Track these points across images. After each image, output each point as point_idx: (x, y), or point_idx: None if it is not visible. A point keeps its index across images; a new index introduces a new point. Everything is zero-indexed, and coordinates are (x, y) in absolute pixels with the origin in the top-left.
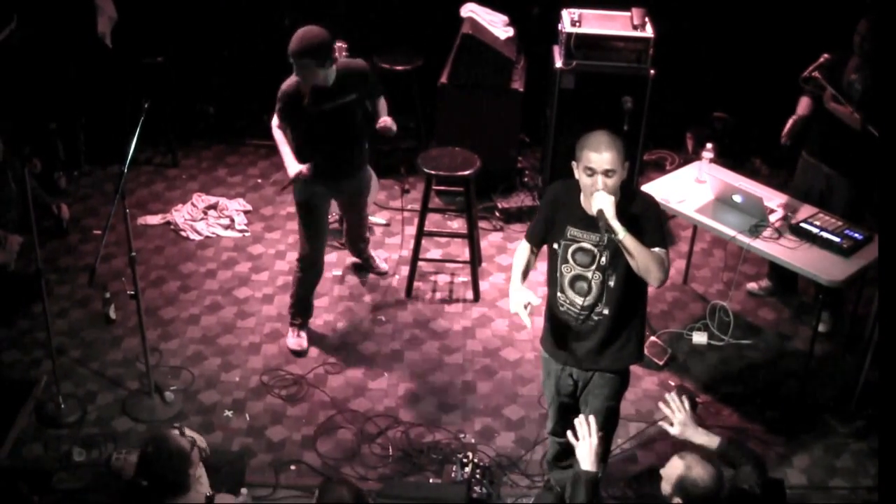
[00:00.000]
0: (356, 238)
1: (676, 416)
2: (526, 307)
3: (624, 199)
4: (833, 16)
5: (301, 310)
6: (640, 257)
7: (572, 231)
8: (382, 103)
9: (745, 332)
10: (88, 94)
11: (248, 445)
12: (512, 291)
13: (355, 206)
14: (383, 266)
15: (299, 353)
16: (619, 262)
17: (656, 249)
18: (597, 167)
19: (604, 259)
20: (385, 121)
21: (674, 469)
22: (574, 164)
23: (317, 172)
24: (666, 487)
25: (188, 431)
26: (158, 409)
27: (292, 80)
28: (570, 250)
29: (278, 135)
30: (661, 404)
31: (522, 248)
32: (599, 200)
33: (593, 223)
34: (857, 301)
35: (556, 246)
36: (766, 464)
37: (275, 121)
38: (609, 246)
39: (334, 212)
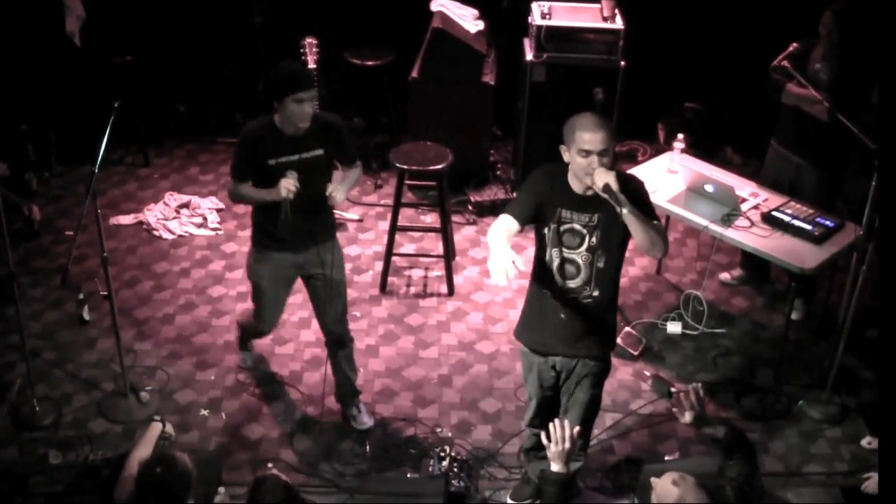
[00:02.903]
0: (335, 363)
1: (695, 409)
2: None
3: (616, 178)
4: (801, 5)
5: (244, 336)
6: (647, 230)
7: (564, 213)
8: (354, 172)
9: (719, 320)
10: (58, 95)
11: (224, 444)
12: (496, 248)
13: (320, 298)
14: (366, 421)
15: (242, 369)
16: (608, 242)
17: (656, 223)
18: (592, 147)
19: (594, 239)
20: (336, 188)
21: (668, 494)
22: (563, 147)
23: (270, 240)
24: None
25: (168, 426)
26: (134, 409)
27: (256, 123)
28: (561, 232)
29: (242, 189)
30: (681, 395)
31: (502, 221)
32: (602, 176)
33: (583, 204)
34: (830, 288)
35: (546, 230)
36: (757, 458)
37: (232, 182)
38: (598, 226)
39: None
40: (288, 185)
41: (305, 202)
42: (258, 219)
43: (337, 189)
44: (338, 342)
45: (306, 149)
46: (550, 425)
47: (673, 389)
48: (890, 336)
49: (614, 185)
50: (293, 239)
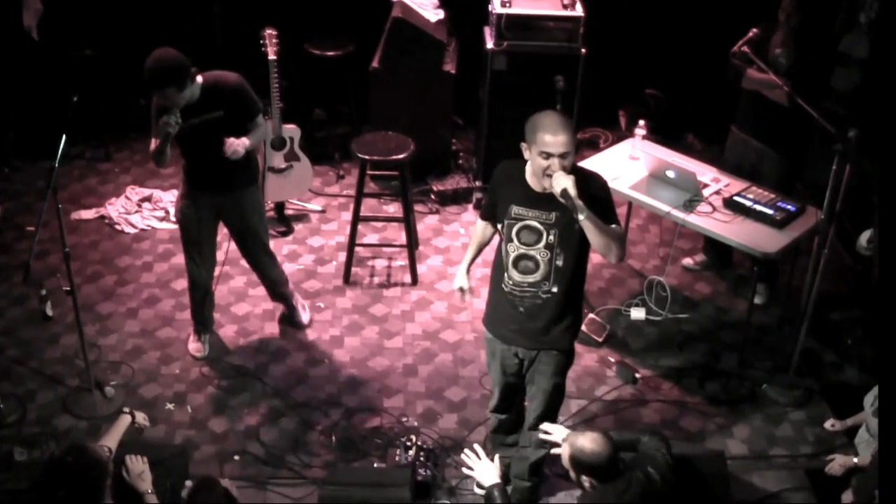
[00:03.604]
0: (268, 279)
1: (559, 438)
2: (462, 292)
3: (576, 179)
4: None
5: (196, 319)
6: (603, 235)
7: (516, 209)
8: (261, 124)
9: (683, 306)
10: (16, 90)
11: (191, 438)
12: (458, 272)
13: (243, 235)
14: (304, 318)
15: (198, 359)
16: (567, 240)
17: (614, 226)
18: (553, 150)
19: (552, 237)
20: (230, 143)
21: (564, 454)
22: (524, 145)
23: (194, 182)
24: (572, 475)
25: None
26: (99, 405)
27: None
28: (515, 229)
29: (151, 146)
30: (540, 436)
31: (478, 226)
32: (560, 181)
33: (539, 201)
34: (792, 272)
35: (500, 226)
36: (661, 432)
37: (153, 143)
38: (557, 224)
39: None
40: (163, 119)
41: (215, 153)
42: (184, 164)
43: (231, 141)
44: (271, 286)
45: (203, 111)
46: (462, 456)
47: (638, 375)
48: (890, 337)
49: (572, 191)
50: (216, 181)
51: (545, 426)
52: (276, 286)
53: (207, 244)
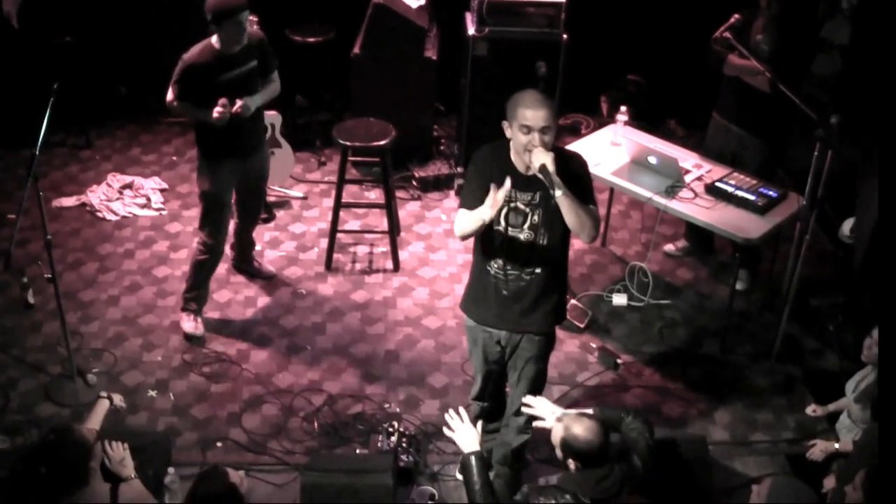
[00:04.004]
0: (247, 239)
1: (544, 414)
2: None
3: (556, 158)
4: None
5: (198, 296)
6: (578, 214)
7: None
8: (276, 80)
9: (665, 292)
10: None
11: (173, 425)
12: (484, 206)
13: (256, 192)
14: (270, 269)
15: (194, 338)
16: (550, 220)
17: (590, 206)
18: (533, 124)
19: (536, 217)
20: (242, 103)
21: (556, 432)
22: (505, 123)
23: (223, 150)
24: (559, 454)
25: (116, 398)
26: (82, 392)
27: (198, 49)
28: (503, 211)
29: (178, 106)
30: (523, 409)
31: (462, 215)
32: (540, 157)
33: (525, 182)
34: (774, 258)
35: None
36: (644, 413)
37: (170, 95)
38: (541, 204)
39: None
40: (219, 111)
41: (249, 121)
42: (207, 133)
43: (249, 100)
44: (251, 222)
45: (244, 63)
46: (446, 416)
47: (619, 361)
48: (890, 335)
49: (551, 167)
50: (243, 145)
51: (529, 399)
52: (252, 247)
53: (228, 211)
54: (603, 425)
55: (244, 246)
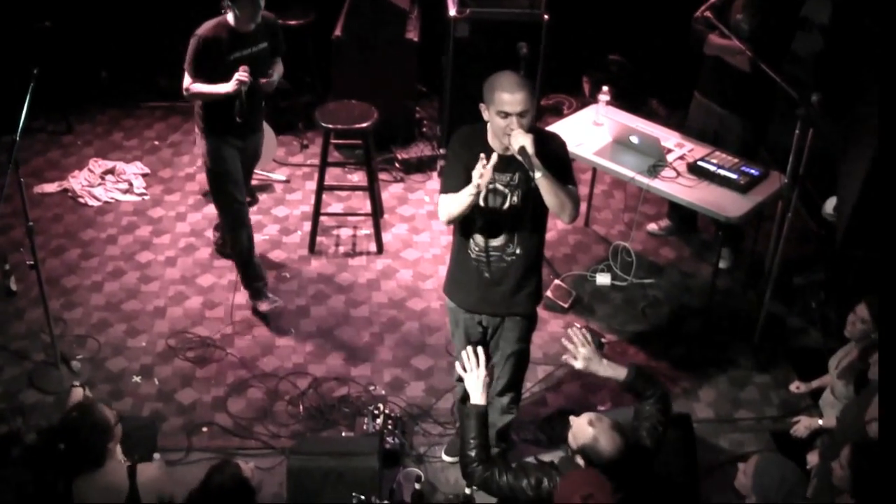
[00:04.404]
0: None
1: (580, 351)
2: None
3: (535, 139)
4: None
5: (253, 277)
6: (558, 195)
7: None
8: (279, 64)
9: (648, 271)
10: None
11: (158, 410)
12: (468, 188)
13: (247, 174)
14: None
15: (275, 307)
16: (529, 201)
17: (570, 187)
18: (511, 109)
19: (515, 199)
20: (270, 80)
21: (582, 433)
22: (483, 105)
23: (227, 128)
24: (571, 442)
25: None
26: (66, 379)
27: (212, 24)
28: (483, 193)
29: (197, 87)
30: (563, 340)
31: (446, 200)
32: (519, 139)
33: (503, 163)
34: (756, 236)
35: None
36: (670, 398)
37: (187, 80)
38: (520, 185)
39: None
40: (242, 78)
41: (253, 91)
42: (214, 111)
43: (272, 79)
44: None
45: (255, 43)
46: (462, 353)
47: (604, 340)
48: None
49: (530, 149)
50: (244, 125)
51: (573, 332)
52: None
53: (242, 184)
54: (628, 442)
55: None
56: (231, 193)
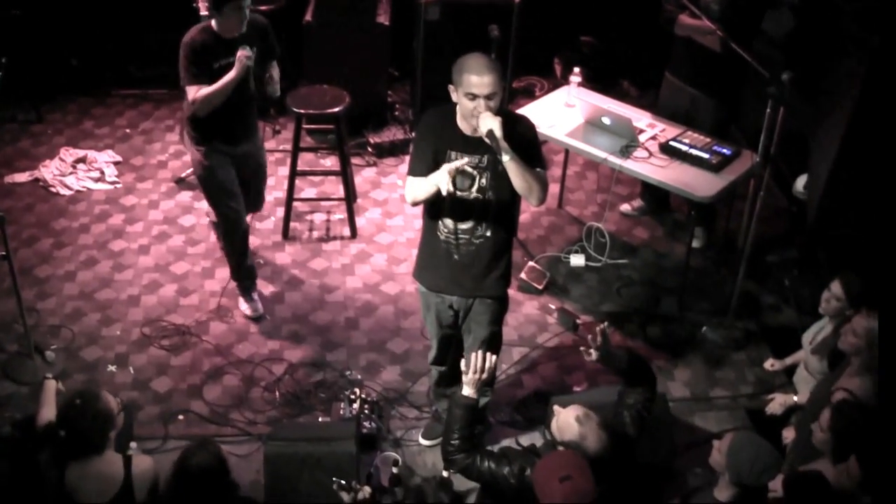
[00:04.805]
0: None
1: (601, 349)
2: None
3: (504, 121)
4: None
5: (243, 275)
6: (526, 177)
7: (453, 155)
8: (275, 67)
9: (622, 251)
10: None
11: (134, 399)
12: (437, 173)
13: (254, 180)
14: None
15: (256, 318)
16: (498, 183)
17: (538, 170)
18: (479, 91)
19: (484, 180)
20: (272, 88)
21: (569, 429)
22: (451, 87)
23: (215, 135)
24: (556, 433)
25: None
26: (40, 370)
27: (197, 29)
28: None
29: (204, 91)
30: (588, 336)
31: (413, 183)
32: (487, 122)
33: (472, 145)
34: (729, 215)
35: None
36: (656, 387)
37: (190, 93)
38: (488, 167)
39: None
40: (244, 56)
41: (242, 96)
42: (202, 119)
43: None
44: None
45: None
46: (473, 355)
47: (579, 321)
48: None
49: (498, 132)
50: (235, 131)
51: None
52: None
53: (235, 188)
54: (613, 439)
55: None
56: (223, 202)
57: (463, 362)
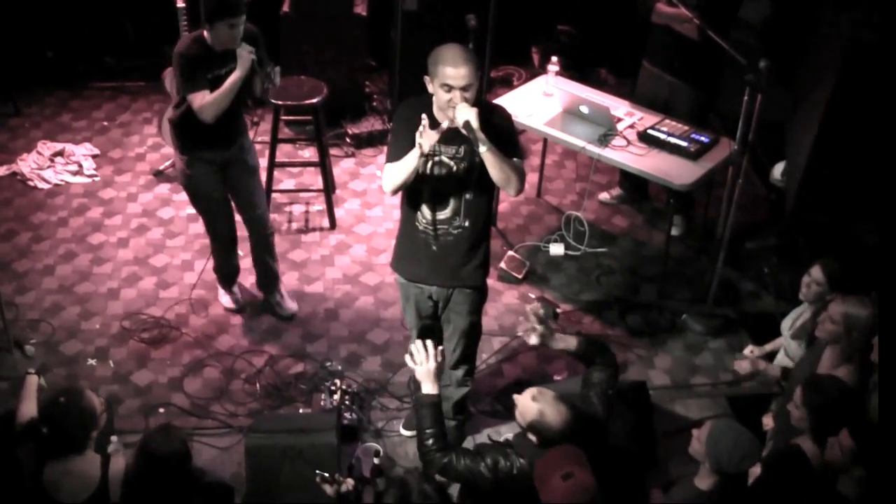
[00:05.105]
0: (261, 257)
1: (536, 328)
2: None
3: (481, 111)
4: None
5: (226, 271)
6: (503, 168)
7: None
8: (277, 70)
9: (601, 240)
10: None
11: (114, 392)
12: (413, 152)
13: (247, 186)
14: (291, 307)
15: (237, 310)
16: (475, 173)
17: (515, 160)
18: (454, 83)
19: (461, 171)
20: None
21: (528, 410)
22: (427, 78)
23: (199, 142)
24: (520, 419)
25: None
26: (20, 364)
27: (189, 39)
28: (428, 165)
29: (210, 97)
30: (521, 318)
31: (391, 169)
32: (463, 113)
33: (450, 136)
34: (708, 203)
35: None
36: (617, 363)
37: (196, 101)
38: (466, 158)
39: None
40: (248, 49)
41: (237, 97)
42: (185, 127)
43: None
44: (261, 232)
45: (234, 60)
46: (412, 347)
47: (559, 310)
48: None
49: (474, 123)
50: (220, 134)
51: (533, 307)
52: (270, 272)
53: (228, 205)
54: (575, 411)
55: (259, 267)
56: (208, 210)
57: (407, 358)
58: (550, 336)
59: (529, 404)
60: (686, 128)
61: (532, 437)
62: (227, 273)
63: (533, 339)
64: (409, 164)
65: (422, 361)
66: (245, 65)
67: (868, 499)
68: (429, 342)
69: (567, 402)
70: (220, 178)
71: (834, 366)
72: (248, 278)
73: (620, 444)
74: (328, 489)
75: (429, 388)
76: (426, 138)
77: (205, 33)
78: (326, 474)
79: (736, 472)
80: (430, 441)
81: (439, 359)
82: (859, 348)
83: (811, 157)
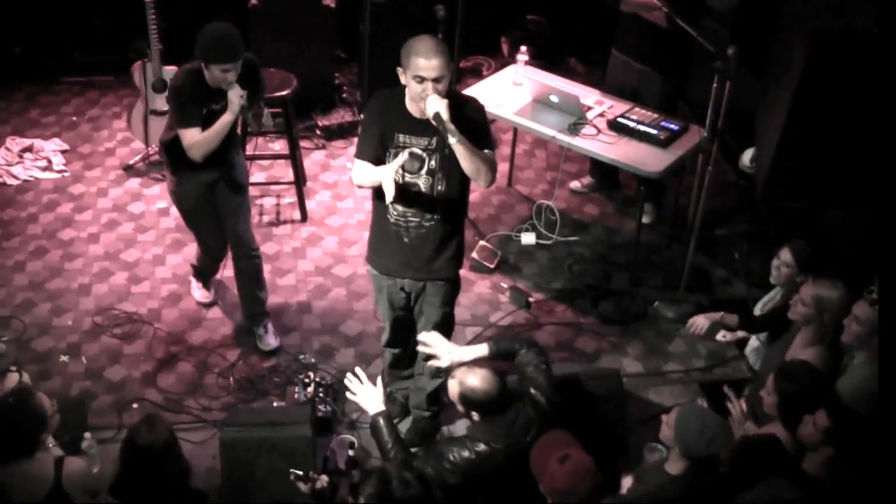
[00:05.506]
0: (244, 280)
1: (440, 353)
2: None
3: (452, 103)
4: None
5: (199, 272)
6: (473, 159)
7: (401, 137)
8: (268, 114)
9: (572, 228)
10: None
11: (87, 388)
12: (382, 170)
13: (233, 204)
14: (271, 343)
15: (209, 304)
16: (447, 165)
17: (486, 151)
18: (426, 74)
19: (433, 163)
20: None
21: (452, 389)
22: (400, 70)
23: (186, 164)
24: (459, 408)
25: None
26: None
27: (185, 71)
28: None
29: (200, 137)
30: (420, 348)
31: (358, 169)
32: (434, 104)
33: (421, 127)
34: (678, 190)
35: (387, 156)
36: (537, 342)
37: (186, 138)
38: (438, 149)
39: None
40: (238, 93)
41: (228, 135)
42: (177, 150)
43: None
44: (245, 255)
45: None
46: (345, 380)
47: (531, 299)
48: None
49: (445, 114)
50: (213, 156)
51: (423, 336)
52: (255, 297)
53: (210, 211)
54: (497, 373)
55: (246, 297)
56: (198, 229)
57: (347, 392)
58: (457, 351)
59: (451, 383)
60: (656, 116)
61: (474, 416)
62: (206, 274)
63: (443, 362)
64: (374, 179)
65: (358, 390)
66: (234, 109)
67: (835, 480)
68: (358, 369)
69: (480, 364)
70: (209, 195)
71: (805, 346)
72: (218, 272)
73: (591, 431)
74: (303, 487)
75: (376, 408)
76: (391, 191)
77: (202, 67)
78: (300, 472)
79: (705, 455)
80: (393, 452)
81: (375, 384)
82: (831, 330)
83: (780, 144)
